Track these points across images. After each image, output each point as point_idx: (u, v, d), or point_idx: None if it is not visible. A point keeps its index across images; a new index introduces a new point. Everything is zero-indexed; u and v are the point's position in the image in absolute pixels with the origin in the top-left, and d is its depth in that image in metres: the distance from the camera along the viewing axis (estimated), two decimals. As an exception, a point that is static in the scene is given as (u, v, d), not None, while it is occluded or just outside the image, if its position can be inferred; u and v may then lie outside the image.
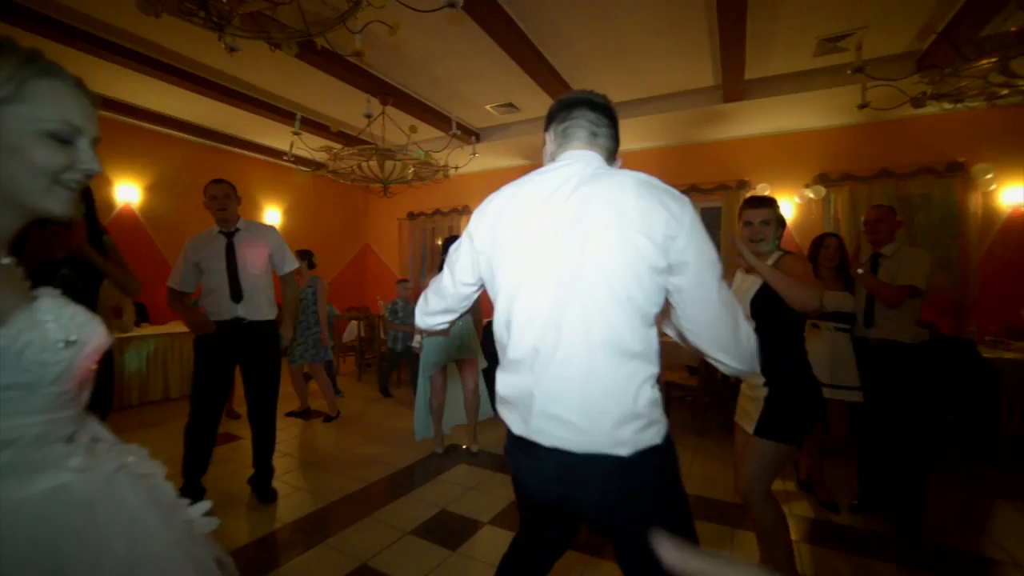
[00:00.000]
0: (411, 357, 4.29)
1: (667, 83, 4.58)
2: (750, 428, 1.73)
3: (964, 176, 4.57)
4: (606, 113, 1.07)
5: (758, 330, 1.76)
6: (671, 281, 0.92)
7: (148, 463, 0.84)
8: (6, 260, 0.70)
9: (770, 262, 1.74)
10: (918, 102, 3.08)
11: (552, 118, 1.11)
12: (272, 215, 7.02)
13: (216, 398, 2.59)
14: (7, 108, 0.63)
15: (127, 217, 5.35)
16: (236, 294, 2.54)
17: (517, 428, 1.01)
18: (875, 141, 4.95)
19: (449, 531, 2.36)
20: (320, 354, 4.18)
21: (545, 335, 0.95)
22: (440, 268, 3.54)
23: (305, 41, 2.23)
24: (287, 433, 3.87)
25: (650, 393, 0.94)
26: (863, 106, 3.33)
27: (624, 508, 0.94)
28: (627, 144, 5.97)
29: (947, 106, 3.11)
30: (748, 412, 1.76)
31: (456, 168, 4.78)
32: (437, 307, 1.18)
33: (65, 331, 0.67)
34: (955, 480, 3.02)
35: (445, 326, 1.24)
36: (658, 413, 0.96)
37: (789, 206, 5.40)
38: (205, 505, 0.87)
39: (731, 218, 5.51)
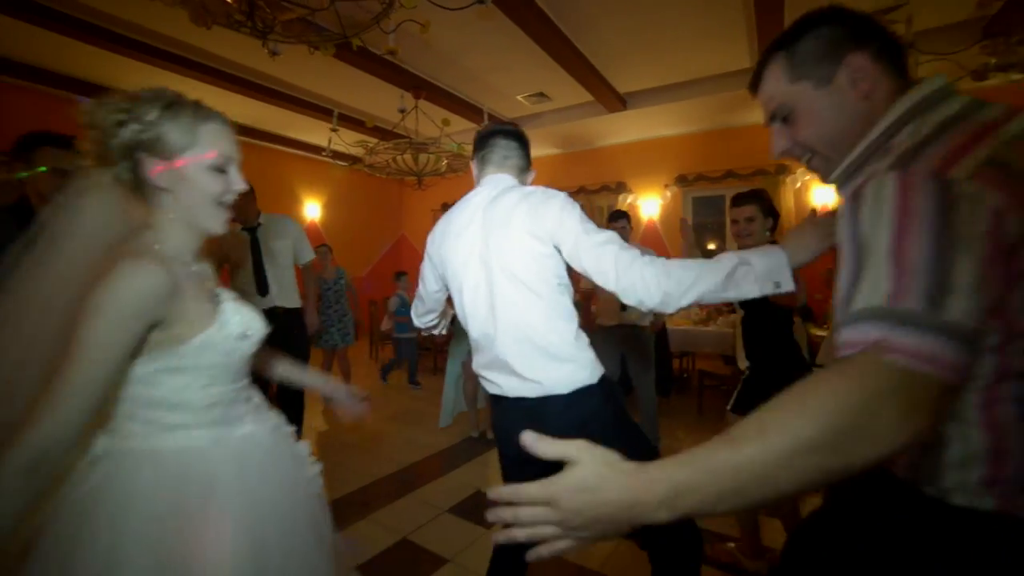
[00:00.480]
0: None
1: (700, 67, 4.45)
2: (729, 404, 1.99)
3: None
4: (515, 138, 1.36)
5: (747, 319, 1.98)
6: (565, 254, 1.18)
7: (286, 426, 1.09)
8: (197, 267, 0.93)
9: None
10: (979, 75, 2.91)
11: (475, 148, 1.38)
12: (312, 208, 7.30)
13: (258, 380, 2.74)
14: (187, 153, 0.83)
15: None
16: (263, 288, 2.66)
17: (493, 389, 1.31)
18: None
19: (484, 510, 2.44)
20: (350, 338, 4.67)
21: (488, 320, 1.25)
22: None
23: (341, 43, 2.32)
24: (329, 416, 4.09)
25: (573, 342, 1.21)
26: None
27: (580, 438, 1.12)
28: (661, 131, 5.87)
29: (1016, 76, 2.92)
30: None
31: (488, 159, 4.84)
32: (422, 310, 1.54)
33: (243, 327, 0.94)
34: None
35: (435, 322, 1.59)
36: (586, 358, 1.22)
37: (833, 191, 5.18)
38: (318, 467, 1.13)
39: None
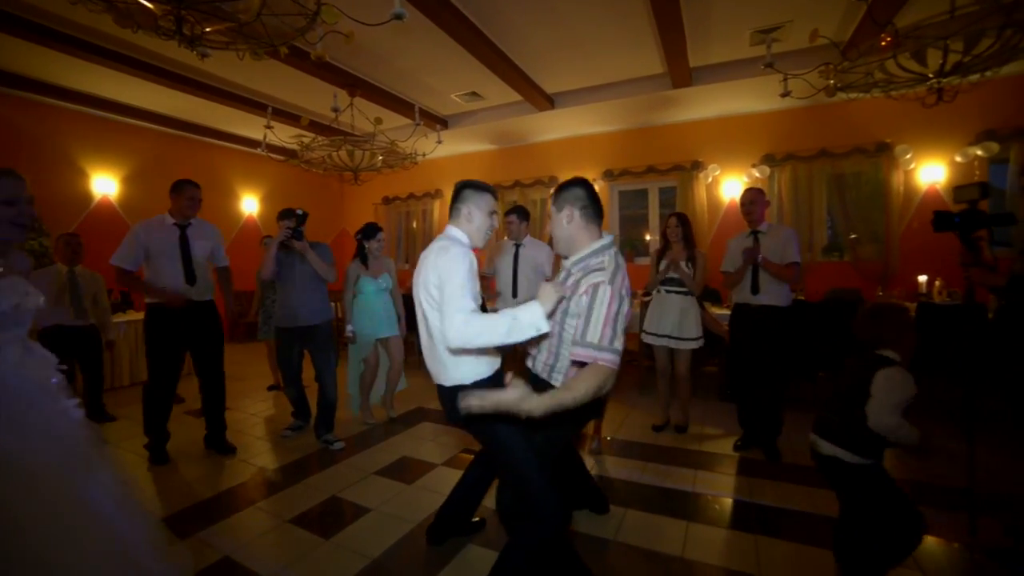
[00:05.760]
0: None
1: (619, 71, 4.86)
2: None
3: (890, 155, 4.98)
4: (457, 192, 1.68)
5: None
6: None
7: None
8: None
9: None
10: (830, 92, 3.46)
11: None
12: (250, 203, 7.22)
13: (173, 367, 2.95)
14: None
15: (105, 208, 5.53)
16: (191, 278, 2.92)
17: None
18: (815, 123, 5.31)
19: (407, 471, 2.78)
20: None
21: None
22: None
23: (270, 50, 2.50)
24: (276, 404, 4.23)
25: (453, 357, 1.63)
26: (785, 95, 3.71)
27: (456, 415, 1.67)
28: (586, 128, 6.29)
29: (852, 95, 3.50)
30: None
31: (424, 155, 5.06)
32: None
33: None
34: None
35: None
36: (466, 369, 1.63)
37: (739, 185, 5.78)
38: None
39: (685, 198, 5.89)
